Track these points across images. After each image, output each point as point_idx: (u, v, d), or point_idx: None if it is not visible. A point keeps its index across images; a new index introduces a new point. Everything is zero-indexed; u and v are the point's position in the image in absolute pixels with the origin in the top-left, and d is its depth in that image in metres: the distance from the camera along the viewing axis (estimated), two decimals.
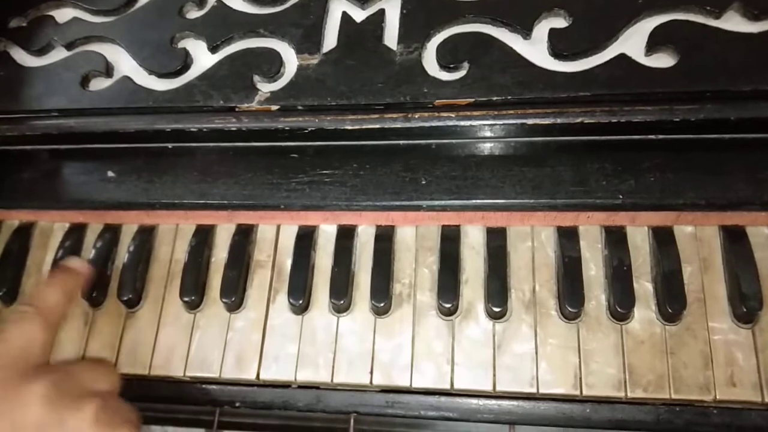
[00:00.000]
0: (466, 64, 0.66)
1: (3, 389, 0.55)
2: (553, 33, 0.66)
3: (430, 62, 0.67)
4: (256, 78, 0.69)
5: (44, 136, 0.71)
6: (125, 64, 0.75)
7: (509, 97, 0.63)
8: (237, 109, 0.68)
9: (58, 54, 0.77)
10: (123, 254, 0.73)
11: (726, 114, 0.60)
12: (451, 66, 0.66)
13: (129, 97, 0.71)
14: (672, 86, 0.61)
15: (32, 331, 0.59)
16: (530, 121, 0.62)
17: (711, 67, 0.61)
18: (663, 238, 0.64)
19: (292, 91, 0.68)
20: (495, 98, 0.64)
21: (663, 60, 0.63)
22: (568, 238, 0.65)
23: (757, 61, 0.61)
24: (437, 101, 0.65)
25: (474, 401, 0.63)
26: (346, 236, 0.70)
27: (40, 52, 0.77)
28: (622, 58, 0.63)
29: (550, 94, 0.63)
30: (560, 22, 0.67)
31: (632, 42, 0.64)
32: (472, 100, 0.64)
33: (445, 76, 0.66)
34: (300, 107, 0.67)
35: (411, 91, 0.65)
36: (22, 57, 0.78)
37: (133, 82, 0.72)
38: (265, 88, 0.69)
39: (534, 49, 0.66)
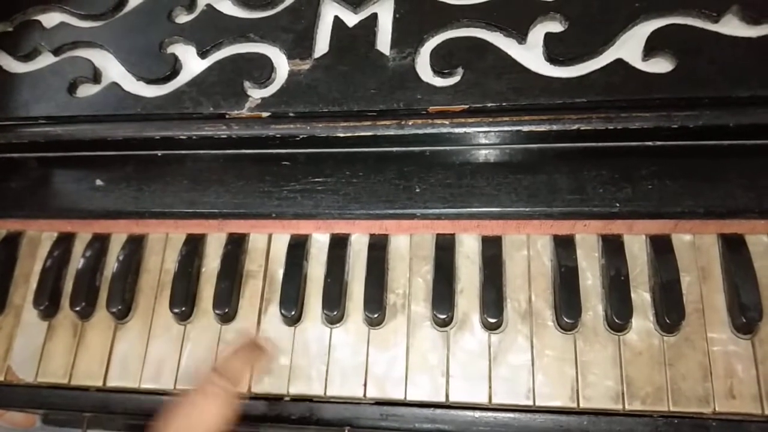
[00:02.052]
0: (460, 70, 0.65)
1: None
2: (549, 37, 0.65)
3: (423, 68, 0.66)
4: (247, 84, 0.68)
5: (31, 143, 0.71)
6: (113, 69, 0.73)
7: (504, 104, 0.62)
8: (227, 116, 0.67)
9: (45, 59, 0.76)
10: (112, 264, 0.72)
11: (725, 120, 0.59)
12: (445, 72, 0.65)
13: (117, 104, 0.70)
14: (670, 92, 0.60)
15: (226, 410, 0.57)
16: (525, 128, 0.62)
17: (709, 72, 0.60)
18: (661, 247, 0.63)
19: (283, 98, 0.67)
20: (490, 105, 0.63)
21: (660, 65, 0.62)
22: (564, 246, 0.64)
23: (755, 66, 0.60)
24: (431, 108, 0.63)
25: (470, 414, 0.62)
26: (339, 245, 0.68)
27: (27, 57, 0.76)
28: (619, 63, 0.62)
29: (545, 101, 0.62)
30: (556, 26, 0.66)
31: (629, 46, 0.64)
32: (467, 106, 0.63)
33: (439, 82, 0.65)
34: (291, 114, 0.66)
35: (404, 97, 0.64)
36: (8, 63, 0.76)
37: (122, 88, 0.71)
38: (256, 94, 0.68)
39: (529, 53, 0.65)
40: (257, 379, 0.65)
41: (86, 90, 0.73)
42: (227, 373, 0.59)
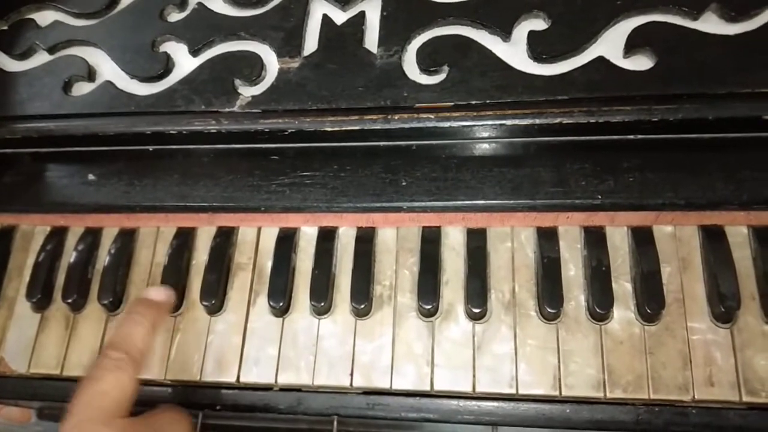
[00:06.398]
0: (446, 68, 0.66)
1: None
2: (532, 35, 0.66)
3: (410, 65, 0.67)
4: (238, 82, 0.69)
5: (24, 139, 0.71)
6: (107, 68, 0.74)
7: (488, 101, 0.63)
8: (218, 111, 0.68)
9: (41, 58, 0.77)
10: (104, 257, 0.73)
11: (704, 114, 0.60)
12: (431, 69, 0.66)
13: (111, 102, 0.71)
14: (649, 89, 0.61)
15: (126, 383, 0.56)
16: (509, 122, 0.63)
17: (688, 70, 0.61)
18: (642, 238, 0.64)
19: (273, 96, 0.68)
20: (474, 102, 0.64)
21: (641, 62, 0.63)
22: (547, 238, 0.65)
23: (732, 64, 0.61)
24: (417, 105, 0.65)
25: (454, 402, 0.63)
26: (326, 238, 0.70)
27: (22, 56, 0.77)
28: (601, 60, 0.63)
29: (528, 98, 0.63)
30: (539, 24, 0.67)
31: (611, 44, 0.65)
32: (452, 104, 0.64)
33: (425, 79, 0.66)
34: (280, 109, 0.67)
35: (391, 95, 0.65)
36: (3, 61, 0.77)
37: (115, 86, 0.72)
38: (247, 92, 0.69)
39: (513, 51, 0.66)
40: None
41: (81, 88, 0.74)
42: (120, 342, 0.59)
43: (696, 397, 0.59)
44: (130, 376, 0.57)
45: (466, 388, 0.62)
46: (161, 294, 0.67)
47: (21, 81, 0.75)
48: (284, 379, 0.65)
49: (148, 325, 0.62)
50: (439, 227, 0.68)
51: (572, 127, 0.62)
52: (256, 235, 0.72)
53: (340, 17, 0.71)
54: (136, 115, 0.69)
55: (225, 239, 0.71)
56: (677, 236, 0.65)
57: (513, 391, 0.61)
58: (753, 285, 0.61)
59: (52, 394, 0.70)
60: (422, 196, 0.65)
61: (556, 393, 0.61)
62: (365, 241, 0.69)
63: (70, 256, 0.73)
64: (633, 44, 0.64)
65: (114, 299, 0.70)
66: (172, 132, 0.68)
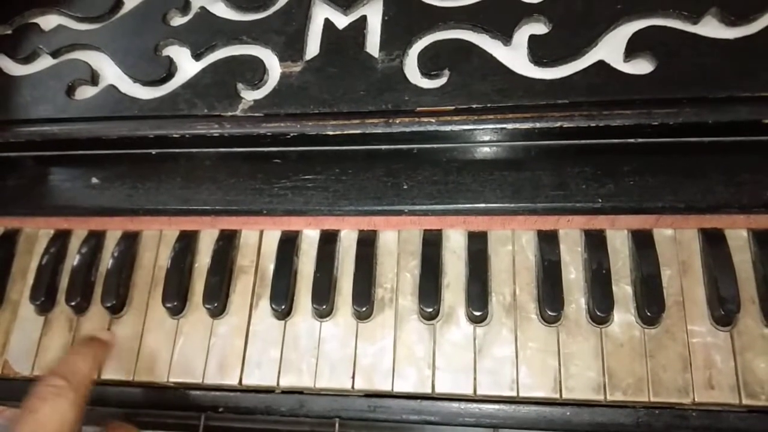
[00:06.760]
0: (446, 72, 0.66)
1: None
2: (533, 39, 0.66)
3: (411, 69, 0.68)
4: (240, 86, 0.70)
5: (28, 143, 0.72)
6: (110, 71, 0.75)
7: (489, 105, 0.64)
8: (220, 115, 0.68)
9: (44, 62, 0.77)
10: (107, 260, 0.73)
11: (704, 118, 0.60)
12: (432, 73, 0.67)
13: (114, 106, 0.72)
14: (649, 93, 0.61)
15: (66, 411, 0.54)
16: (510, 126, 0.63)
17: (688, 74, 0.61)
18: (642, 242, 0.64)
19: (275, 100, 0.68)
20: (475, 106, 0.64)
21: (641, 66, 0.64)
22: (548, 241, 0.66)
23: (732, 67, 0.61)
24: (418, 109, 0.65)
25: (455, 405, 0.64)
26: (328, 241, 0.70)
27: (26, 60, 0.78)
28: (601, 64, 0.64)
29: (529, 102, 0.63)
30: (540, 28, 0.67)
31: (611, 48, 0.65)
32: (453, 108, 0.64)
33: (426, 83, 0.67)
34: (282, 113, 0.68)
35: (392, 98, 0.66)
36: (7, 65, 0.78)
37: (119, 90, 0.72)
38: (249, 96, 0.69)
39: (514, 55, 0.67)
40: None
41: (84, 92, 0.74)
42: (63, 372, 0.58)
43: (696, 400, 0.59)
44: (70, 404, 0.55)
45: (467, 390, 0.62)
46: (107, 335, 0.68)
47: (25, 85, 0.76)
48: (286, 382, 0.66)
49: (91, 358, 0.62)
50: (440, 230, 0.69)
51: (573, 130, 0.62)
52: (259, 238, 0.72)
53: (341, 21, 0.72)
54: (139, 119, 0.70)
55: (227, 242, 0.71)
56: (677, 239, 0.65)
57: (514, 393, 0.62)
58: (753, 288, 0.62)
59: None
60: (423, 199, 0.65)
61: (557, 396, 0.61)
62: (367, 244, 0.69)
63: (73, 259, 0.74)
64: (633, 48, 0.64)
65: (117, 302, 0.70)
66: (175, 136, 0.68)
